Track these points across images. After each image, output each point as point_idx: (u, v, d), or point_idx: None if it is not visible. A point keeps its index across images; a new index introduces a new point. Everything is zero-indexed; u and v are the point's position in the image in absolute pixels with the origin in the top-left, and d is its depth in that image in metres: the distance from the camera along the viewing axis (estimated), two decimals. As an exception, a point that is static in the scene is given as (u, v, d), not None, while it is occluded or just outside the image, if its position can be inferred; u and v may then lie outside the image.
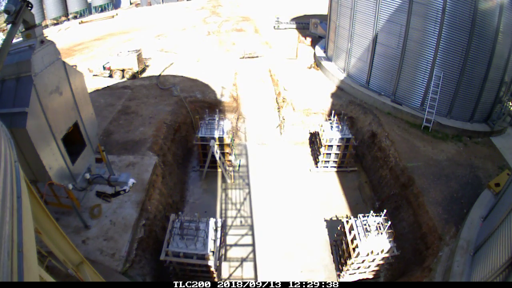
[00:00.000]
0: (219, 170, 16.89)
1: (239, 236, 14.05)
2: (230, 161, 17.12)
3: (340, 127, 16.43)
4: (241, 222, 14.71)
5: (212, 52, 28.10)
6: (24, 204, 3.60)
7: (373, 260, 11.32)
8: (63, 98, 9.74)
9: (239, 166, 17.75)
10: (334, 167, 17.34)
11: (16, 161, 3.98)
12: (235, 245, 13.67)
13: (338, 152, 16.53)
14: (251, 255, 13.23)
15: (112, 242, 10.90)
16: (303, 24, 34.11)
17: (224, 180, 16.82)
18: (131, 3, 48.75)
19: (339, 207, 15.46)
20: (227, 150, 16.47)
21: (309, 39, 29.84)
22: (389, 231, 11.04)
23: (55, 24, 36.44)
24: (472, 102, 16.91)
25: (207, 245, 10.70)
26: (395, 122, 17.40)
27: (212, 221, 11.51)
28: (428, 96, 16.66)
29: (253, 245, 13.64)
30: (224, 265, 12.77)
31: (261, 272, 12.59)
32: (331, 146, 16.28)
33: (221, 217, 14.75)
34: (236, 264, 12.96)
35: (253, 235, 14.06)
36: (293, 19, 36.12)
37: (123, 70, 22.40)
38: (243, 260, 13.09)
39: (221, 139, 15.96)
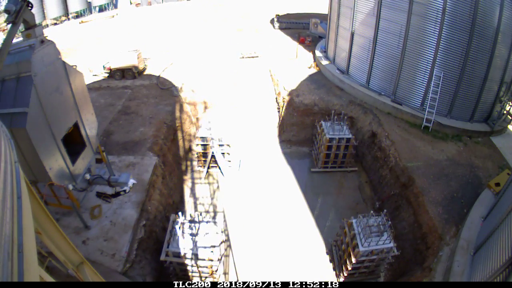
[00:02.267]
0: (220, 170, 16.89)
1: (239, 234, 14.03)
2: (230, 161, 17.12)
3: (340, 127, 16.43)
4: (241, 221, 14.69)
5: (212, 51, 28.08)
6: (24, 205, 3.59)
7: (373, 260, 11.32)
8: (63, 98, 9.73)
9: (239, 166, 17.75)
10: (334, 167, 17.33)
11: (16, 161, 3.97)
12: (236, 244, 13.66)
13: (338, 152, 16.53)
14: (251, 254, 13.22)
15: (112, 243, 10.90)
16: (303, 24, 34.11)
17: (224, 179, 16.81)
18: (131, 3, 48.70)
19: (339, 207, 15.46)
20: (227, 150, 16.47)
21: (309, 39, 29.86)
22: (389, 231, 11.04)
23: (55, 24, 36.43)
24: (472, 102, 16.91)
25: (208, 245, 10.69)
26: (395, 122, 17.40)
27: (212, 220, 11.51)
28: (428, 96, 16.65)
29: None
30: (226, 263, 12.76)
31: (261, 271, 12.58)
32: (331, 146, 16.27)
33: (221, 217, 14.73)
34: (235, 262, 12.95)
35: (248, 234, 14.06)
36: (290, 19, 36.14)
37: (123, 70, 22.40)
38: (242, 259, 13.09)
39: (221, 139, 15.96)
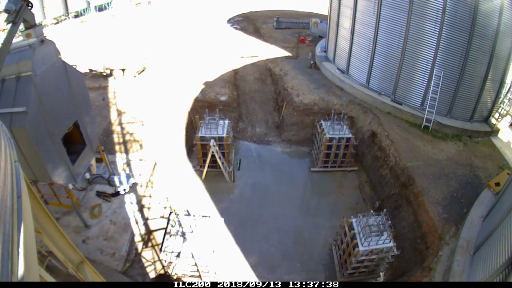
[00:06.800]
0: (219, 169, 16.86)
1: (239, 235, 14.03)
2: (230, 160, 17.10)
3: (340, 126, 16.42)
4: (241, 220, 14.68)
5: (212, 51, 28.06)
6: (24, 204, 3.59)
7: (372, 260, 11.32)
8: (63, 98, 9.73)
9: (239, 165, 17.74)
10: (334, 166, 17.33)
11: (16, 161, 3.98)
12: (235, 244, 13.66)
13: (338, 151, 16.53)
14: (251, 252, 13.22)
15: (112, 242, 10.91)
16: (303, 24, 34.10)
17: (224, 180, 16.80)
18: (130, 0, 48.55)
19: (339, 207, 15.46)
20: (227, 150, 16.45)
21: (309, 39, 29.86)
22: (389, 230, 11.04)
23: (55, 24, 36.38)
24: (472, 102, 16.91)
25: (207, 244, 10.70)
26: (395, 121, 17.39)
27: (210, 220, 11.52)
28: (428, 95, 16.65)
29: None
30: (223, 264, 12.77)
31: (261, 271, 12.59)
32: (331, 145, 16.27)
33: (221, 216, 14.73)
34: (234, 262, 12.96)
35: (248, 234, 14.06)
36: (290, 18, 36.12)
37: (123, 70, 22.38)
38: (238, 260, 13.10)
39: (221, 138, 15.94)
